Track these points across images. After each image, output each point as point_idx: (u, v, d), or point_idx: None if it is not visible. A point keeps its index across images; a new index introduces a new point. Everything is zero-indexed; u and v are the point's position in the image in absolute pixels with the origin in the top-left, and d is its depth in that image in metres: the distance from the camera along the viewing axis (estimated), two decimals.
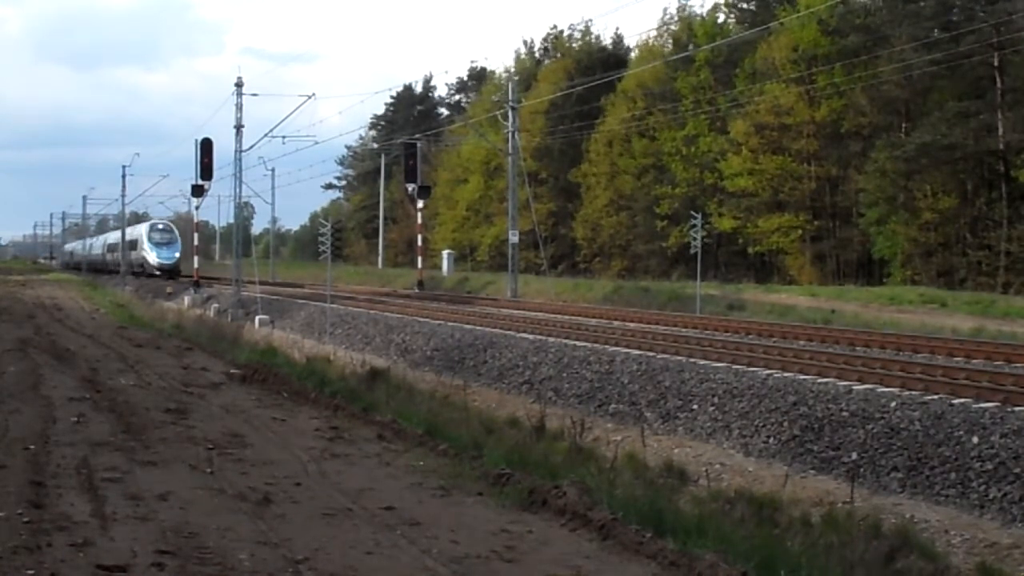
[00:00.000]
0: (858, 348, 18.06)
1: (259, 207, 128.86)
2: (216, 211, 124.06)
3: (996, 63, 39.23)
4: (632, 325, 24.72)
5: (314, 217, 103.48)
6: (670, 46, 57.59)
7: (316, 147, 53.58)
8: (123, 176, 74.55)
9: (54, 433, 11.10)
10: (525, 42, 74.98)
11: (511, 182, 42.83)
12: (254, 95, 46.14)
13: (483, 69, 77.76)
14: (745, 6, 55.07)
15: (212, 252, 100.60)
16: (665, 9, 57.87)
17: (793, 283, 43.38)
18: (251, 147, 45.05)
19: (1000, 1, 38.76)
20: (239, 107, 42.23)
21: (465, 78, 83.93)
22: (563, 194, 62.90)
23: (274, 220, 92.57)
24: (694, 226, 29.68)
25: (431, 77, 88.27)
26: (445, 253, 61.18)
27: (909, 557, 9.01)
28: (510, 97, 43.42)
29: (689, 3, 60.33)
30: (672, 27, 59.49)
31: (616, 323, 24.67)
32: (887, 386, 13.48)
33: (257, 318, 34.13)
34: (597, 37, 68.36)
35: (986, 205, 40.32)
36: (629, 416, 15.32)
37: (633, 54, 62.98)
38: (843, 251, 46.35)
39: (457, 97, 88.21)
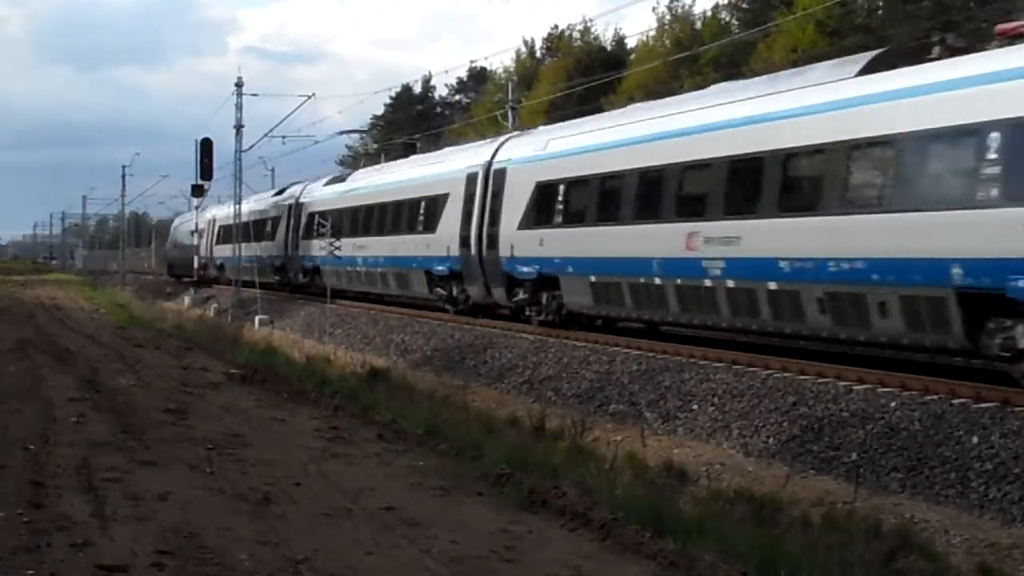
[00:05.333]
0: (858, 348, 18.06)
1: None
2: None
3: None
4: (632, 324, 24.72)
5: None
6: (669, 46, 57.55)
7: (316, 147, 53.50)
8: (123, 176, 74.63)
9: (54, 433, 11.11)
10: (526, 42, 74.96)
11: None
12: (254, 95, 46.00)
13: (483, 69, 77.72)
14: (746, 6, 55.07)
15: None
16: (655, 8, 57.57)
17: None
18: (251, 147, 45.00)
19: (997, 1, 38.75)
20: (239, 107, 42.21)
21: (465, 78, 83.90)
22: None
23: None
24: None
25: (431, 77, 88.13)
26: None
27: (909, 557, 9.00)
28: (510, 97, 43.42)
29: (683, 2, 60.05)
30: (671, 27, 59.45)
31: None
32: (887, 386, 13.47)
33: (257, 318, 34.11)
34: (596, 37, 68.37)
35: None
36: (629, 416, 15.31)
37: (632, 56, 62.94)
38: None
39: (457, 97, 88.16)
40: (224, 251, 48.33)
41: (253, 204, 45.40)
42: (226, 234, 48.07)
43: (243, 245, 41.91)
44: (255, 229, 41.83)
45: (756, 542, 7.87)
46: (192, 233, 53.84)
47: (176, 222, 66.05)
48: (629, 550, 7.26)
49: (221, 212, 51.18)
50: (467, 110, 76.74)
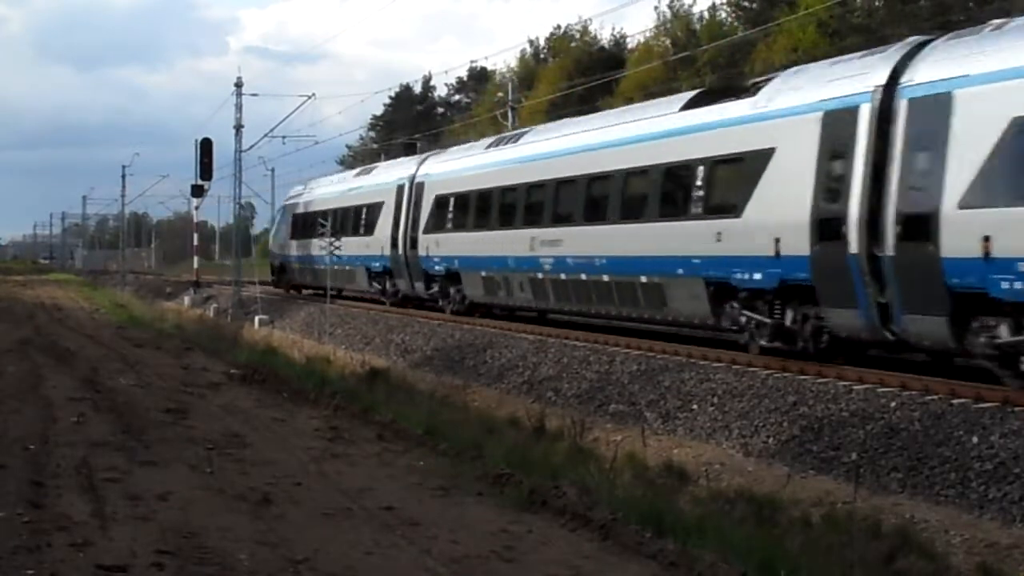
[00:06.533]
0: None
1: (259, 207, 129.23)
2: (216, 211, 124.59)
3: None
4: (631, 324, 24.76)
5: None
6: (669, 46, 57.55)
7: (316, 147, 53.49)
8: (123, 176, 74.64)
9: (54, 433, 11.12)
10: (531, 41, 75.07)
11: None
12: (254, 95, 46.04)
13: (483, 69, 77.75)
14: (747, 5, 55.05)
15: (212, 252, 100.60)
16: (656, 7, 57.71)
17: None
18: (251, 147, 44.95)
19: (998, 1, 38.74)
20: (239, 107, 42.21)
21: (465, 78, 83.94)
22: None
23: (274, 220, 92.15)
24: None
25: (431, 77, 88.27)
26: None
27: (909, 557, 9.00)
28: (510, 97, 43.48)
29: (684, 2, 60.07)
30: (670, 27, 59.45)
31: (615, 322, 24.60)
32: (887, 386, 13.47)
33: (257, 318, 34.09)
34: (595, 37, 68.40)
35: None
36: (629, 416, 15.30)
37: (634, 56, 62.94)
38: None
39: (456, 97, 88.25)
40: (486, 245, 24.64)
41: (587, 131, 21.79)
42: (487, 208, 25.06)
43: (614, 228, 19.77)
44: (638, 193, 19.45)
45: (756, 542, 7.87)
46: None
47: (304, 196, 41.26)
48: (629, 550, 7.27)
49: (439, 165, 28.73)
50: (467, 110, 76.79)
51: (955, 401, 12.35)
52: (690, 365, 16.44)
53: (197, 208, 50.37)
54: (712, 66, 51.35)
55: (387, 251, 30.16)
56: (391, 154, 52.10)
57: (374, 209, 31.52)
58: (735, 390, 14.68)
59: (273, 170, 64.18)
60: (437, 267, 27.19)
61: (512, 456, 10.35)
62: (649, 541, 7.36)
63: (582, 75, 56.40)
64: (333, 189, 38.14)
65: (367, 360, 22.47)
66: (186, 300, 44.79)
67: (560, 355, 19.15)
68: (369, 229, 31.76)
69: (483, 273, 24.97)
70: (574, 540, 7.55)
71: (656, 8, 57.84)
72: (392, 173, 32.08)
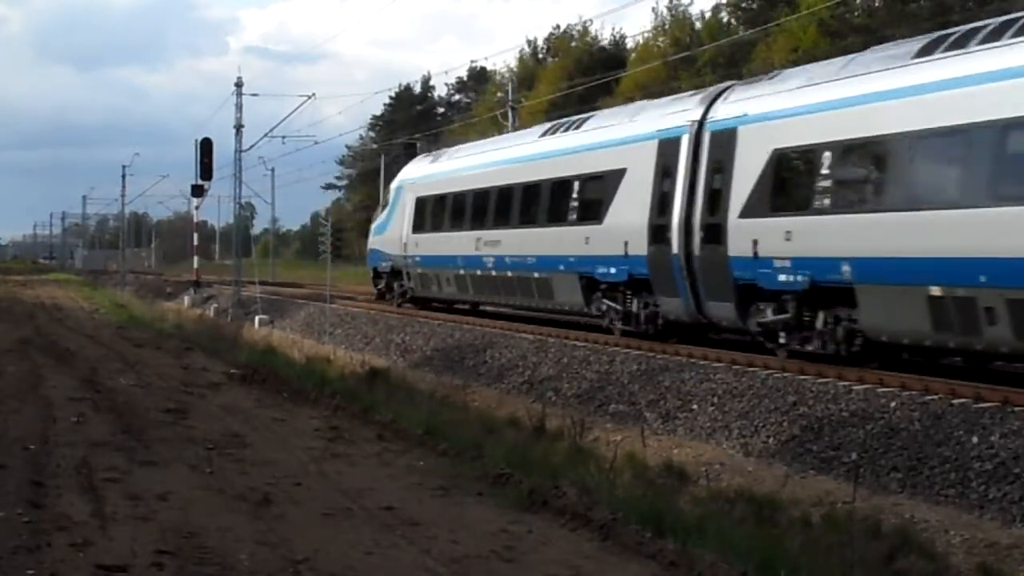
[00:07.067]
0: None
1: (259, 207, 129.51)
2: (216, 211, 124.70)
3: None
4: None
5: (314, 217, 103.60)
6: (666, 46, 57.58)
7: (316, 147, 53.52)
8: (123, 176, 74.72)
9: (54, 433, 11.12)
10: (529, 41, 75.16)
11: None
12: (254, 95, 46.12)
13: (483, 69, 77.78)
14: (746, 5, 55.08)
15: (212, 252, 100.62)
16: (654, 8, 58.03)
17: None
18: (251, 147, 44.92)
19: (997, 1, 38.73)
20: (239, 107, 42.22)
21: (465, 78, 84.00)
22: None
23: (274, 220, 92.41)
24: None
25: (430, 77, 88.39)
26: None
27: (909, 557, 9.00)
28: (510, 97, 43.51)
29: (682, 2, 60.14)
30: (668, 27, 59.51)
31: (616, 322, 24.57)
32: (887, 386, 13.47)
33: (257, 318, 34.08)
34: (595, 37, 68.48)
35: None
36: (629, 416, 15.30)
37: (632, 56, 63.00)
38: None
39: (456, 97, 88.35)
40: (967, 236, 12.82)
41: None
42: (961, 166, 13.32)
43: None
44: None
45: (756, 542, 7.87)
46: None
47: (438, 169, 29.89)
48: (629, 550, 7.27)
49: (777, 97, 16.44)
50: (467, 110, 76.84)
51: (955, 401, 12.36)
52: (690, 365, 16.43)
53: (197, 208, 50.38)
54: (712, 66, 51.35)
55: (637, 248, 19.03)
56: (391, 154, 52.02)
57: (601, 181, 20.52)
58: (735, 390, 14.68)
59: (273, 170, 64.28)
60: (782, 277, 15.59)
61: (512, 456, 10.35)
62: (649, 541, 7.36)
63: (582, 75, 56.41)
64: (497, 156, 26.20)
65: (367, 360, 22.47)
66: (186, 300, 44.79)
67: (560, 355, 19.14)
68: (589, 214, 20.83)
69: (932, 291, 13.18)
70: (574, 540, 7.55)
71: (654, 9, 57.94)
72: (640, 124, 20.02)
